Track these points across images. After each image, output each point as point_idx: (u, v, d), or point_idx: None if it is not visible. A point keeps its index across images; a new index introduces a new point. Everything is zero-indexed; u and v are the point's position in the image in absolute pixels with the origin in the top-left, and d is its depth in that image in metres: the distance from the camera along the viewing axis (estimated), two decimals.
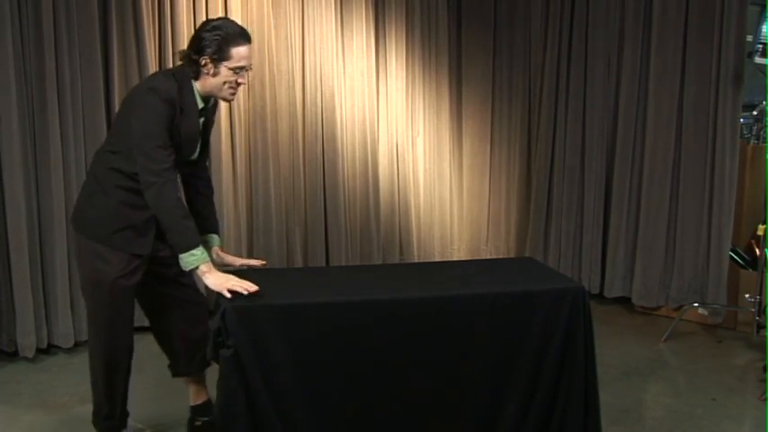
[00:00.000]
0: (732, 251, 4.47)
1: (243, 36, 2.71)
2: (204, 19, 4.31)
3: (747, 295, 4.21)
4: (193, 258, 2.63)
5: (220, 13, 4.40)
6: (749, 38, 4.30)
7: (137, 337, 4.21)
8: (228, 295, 2.56)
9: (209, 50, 2.66)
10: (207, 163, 3.10)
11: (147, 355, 4.02)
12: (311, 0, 4.74)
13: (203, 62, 2.68)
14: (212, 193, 3.08)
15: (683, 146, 4.56)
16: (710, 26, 4.37)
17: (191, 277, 2.85)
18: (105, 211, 2.74)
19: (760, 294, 4.11)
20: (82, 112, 3.95)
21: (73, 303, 3.97)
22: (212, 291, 2.66)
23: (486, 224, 5.58)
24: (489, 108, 5.44)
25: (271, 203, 4.68)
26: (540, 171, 5.23)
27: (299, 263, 4.84)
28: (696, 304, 4.48)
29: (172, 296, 2.95)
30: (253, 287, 2.58)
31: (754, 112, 4.52)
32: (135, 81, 4.11)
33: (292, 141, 4.77)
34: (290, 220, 4.82)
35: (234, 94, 2.78)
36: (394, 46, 5.06)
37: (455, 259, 5.36)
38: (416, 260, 5.20)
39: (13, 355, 3.85)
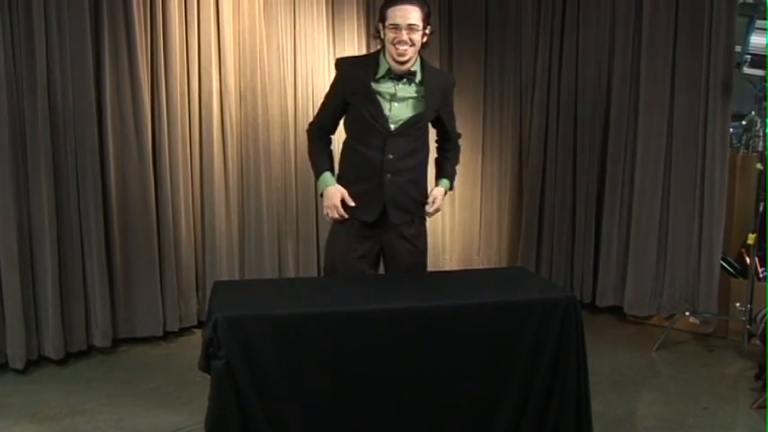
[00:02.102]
0: (723, 260, 4.49)
1: None
2: (196, 32, 4.34)
3: (738, 304, 4.23)
4: (320, 186, 3.24)
5: (212, 25, 4.41)
6: (737, 48, 4.34)
7: (125, 349, 4.23)
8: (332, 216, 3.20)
9: (379, 19, 3.14)
10: (453, 134, 3.44)
11: (138, 366, 4.02)
12: (302, 11, 4.76)
13: (379, 28, 3.15)
14: (451, 151, 3.46)
15: (674, 155, 4.58)
16: (699, 37, 4.40)
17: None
18: None
19: (751, 303, 4.13)
20: (73, 124, 3.94)
21: (63, 314, 3.95)
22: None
23: (478, 234, 5.59)
24: (481, 118, 5.45)
25: (263, 214, 4.67)
26: (531, 180, 5.24)
27: (291, 274, 4.83)
28: (687, 313, 4.49)
29: None
30: (342, 215, 3.16)
31: (744, 122, 4.55)
32: (127, 93, 4.11)
33: (284, 151, 4.77)
34: (282, 231, 4.82)
35: (400, 54, 3.07)
36: None
37: (447, 269, 5.36)
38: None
39: (2, 367, 3.82)
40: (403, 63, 3.10)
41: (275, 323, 2.55)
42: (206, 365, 2.54)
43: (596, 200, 4.97)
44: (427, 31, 3.14)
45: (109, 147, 4.08)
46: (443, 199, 3.35)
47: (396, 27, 3.04)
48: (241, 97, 4.59)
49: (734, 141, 4.68)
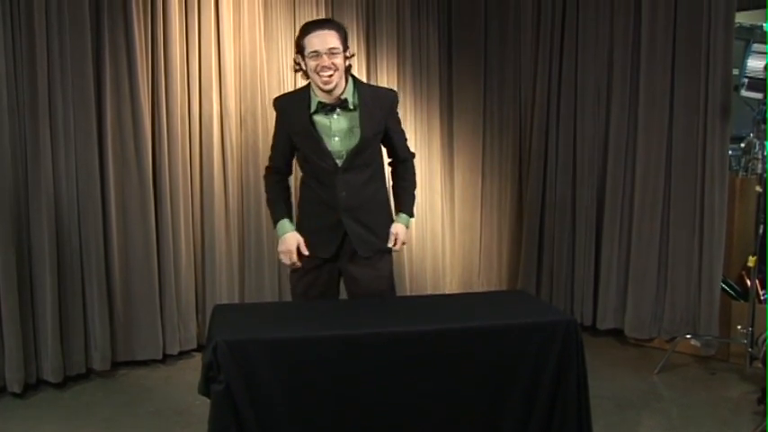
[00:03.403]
0: (723, 282, 4.48)
1: (312, 24, 3.05)
2: (197, 55, 4.37)
3: (739, 327, 4.21)
4: (278, 232, 3.22)
5: (213, 48, 4.44)
6: (735, 71, 4.36)
7: (125, 372, 4.20)
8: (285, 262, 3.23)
9: (297, 51, 3.06)
10: (404, 153, 3.34)
11: (137, 389, 4.00)
12: None
13: (298, 61, 3.08)
14: (405, 179, 3.36)
15: (673, 178, 4.59)
16: (697, 60, 4.43)
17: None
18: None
19: (752, 326, 4.12)
20: (74, 146, 3.95)
21: (62, 337, 3.94)
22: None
23: (478, 257, 5.59)
24: (480, 141, 5.48)
25: (263, 237, 4.67)
26: (531, 203, 5.25)
27: (290, 297, 4.80)
28: (688, 336, 4.47)
29: None
30: (295, 263, 3.18)
31: (742, 145, 4.56)
32: (127, 115, 4.13)
33: None
34: None
35: (326, 82, 3.01)
36: (385, 80, 5.11)
37: (447, 292, 5.36)
38: (408, 293, 5.19)
39: (0, 391, 3.80)
40: (330, 91, 3.05)
41: (275, 347, 2.55)
42: (206, 389, 2.53)
43: (596, 222, 4.97)
44: (348, 54, 3.07)
45: (109, 169, 4.09)
46: (406, 233, 3.29)
47: (316, 54, 2.98)
48: (241, 120, 4.61)
49: (733, 164, 4.69)
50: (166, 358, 4.38)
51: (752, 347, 4.10)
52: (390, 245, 3.23)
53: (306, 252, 3.16)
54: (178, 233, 4.37)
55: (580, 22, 4.95)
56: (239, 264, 4.68)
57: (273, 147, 3.30)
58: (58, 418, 3.62)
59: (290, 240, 3.17)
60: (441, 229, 5.47)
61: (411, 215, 3.33)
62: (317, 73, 3.00)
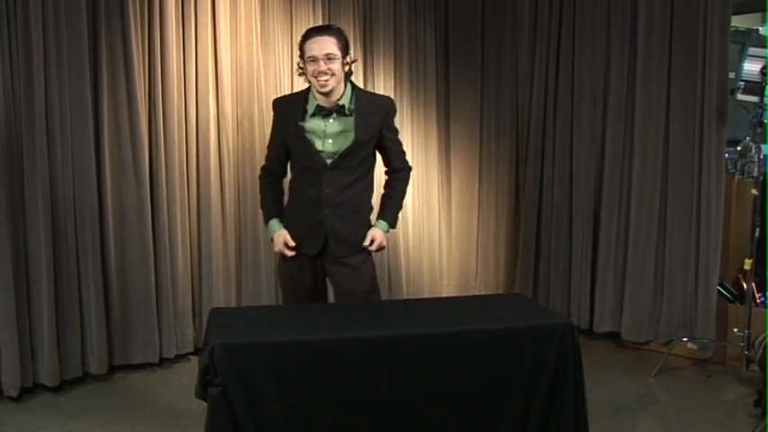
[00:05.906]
0: (720, 285, 4.49)
1: (312, 30, 3.19)
2: (193, 60, 4.38)
3: (736, 329, 4.22)
4: (268, 232, 3.35)
5: (210, 53, 4.44)
6: (731, 75, 4.37)
7: (121, 376, 4.20)
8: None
9: (300, 55, 3.18)
10: (399, 163, 3.42)
11: (134, 393, 4.00)
12: (299, 38, 4.79)
13: (301, 65, 3.19)
14: (394, 189, 3.42)
15: (670, 181, 4.60)
16: (693, 64, 4.44)
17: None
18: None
19: (748, 329, 4.12)
20: (71, 152, 3.94)
21: (59, 341, 3.93)
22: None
23: (475, 260, 5.59)
24: (477, 145, 5.49)
25: (260, 241, 4.67)
26: (528, 207, 5.25)
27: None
28: (685, 339, 4.48)
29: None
30: (288, 252, 3.25)
31: (738, 148, 4.58)
32: (124, 120, 4.13)
33: None
34: None
35: (322, 85, 3.12)
36: (382, 84, 5.12)
37: (444, 295, 5.36)
38: (405, 296, 5.19)
39: None
40: (327, 94, 3.15)
41: (272, 350, 2.55)
42: (202, 393, 2.53)
43: (593, 226, 4.98)
44: (348, 60, 3.17)
45: (106, 174, 4.09)
46: (384, 237, 3.33)
47: (314, 59, 3.09)
48: (238, 124, 4.61)
49: (729, 167, 4.71)
50: (163, 362, 4.37)
51: (748, 350, 4.11)
52: (366, 243, 3.28)
53: (291, 243, 3.26)
54: (175, 237, 4.37)
55: (576, 27, 4.96)
56: (236, 267, 4.68)
57: (269, 147, 3.40)
58: (54, 422, 3.61)
59: (277, 240, 3.29)
60: (438, 232, 5.48)
61: (391, 224, 3.37)
62: (315, 77, 3.11)
